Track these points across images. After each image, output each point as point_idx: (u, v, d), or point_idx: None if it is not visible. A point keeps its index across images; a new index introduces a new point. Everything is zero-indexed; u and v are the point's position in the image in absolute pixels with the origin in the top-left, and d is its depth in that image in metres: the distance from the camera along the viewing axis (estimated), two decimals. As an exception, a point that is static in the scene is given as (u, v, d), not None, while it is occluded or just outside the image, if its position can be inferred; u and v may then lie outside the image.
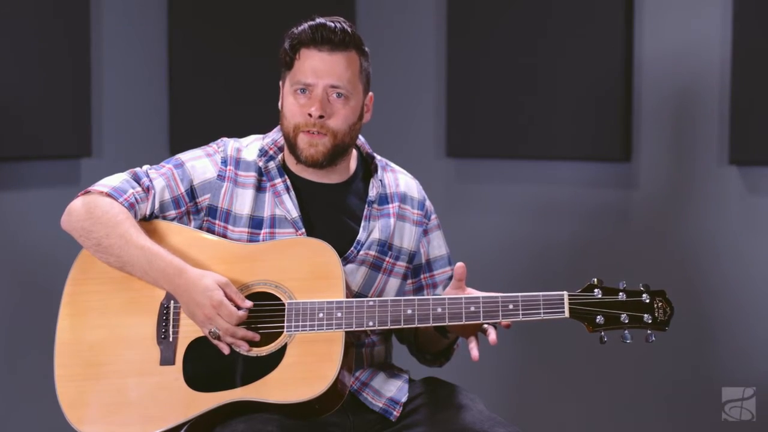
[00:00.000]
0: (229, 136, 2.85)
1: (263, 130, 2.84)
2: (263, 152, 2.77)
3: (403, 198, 2.83)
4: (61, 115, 3.91)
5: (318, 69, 2.68)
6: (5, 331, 3.86)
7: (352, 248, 2.72)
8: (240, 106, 4.18)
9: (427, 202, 2.88)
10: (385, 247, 2.77)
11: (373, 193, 2.78)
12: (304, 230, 2.71)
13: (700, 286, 3.84)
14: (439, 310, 2.58)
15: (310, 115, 2.68)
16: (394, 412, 2.73)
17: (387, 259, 2.77)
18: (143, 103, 4.21)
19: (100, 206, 2.67)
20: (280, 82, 2.76)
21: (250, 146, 2.79)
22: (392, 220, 2.79)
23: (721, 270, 3.81)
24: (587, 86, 3.92)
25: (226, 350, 2.60)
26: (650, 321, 2.55)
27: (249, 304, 2.60)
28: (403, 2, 4.25)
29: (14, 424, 3.87)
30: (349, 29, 2.69)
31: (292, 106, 2.70)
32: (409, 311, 2.58)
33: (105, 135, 4.07)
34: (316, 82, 2.68)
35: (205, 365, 2.61)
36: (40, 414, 3.78)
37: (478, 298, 2.56)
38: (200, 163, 2.75)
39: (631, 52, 3.88)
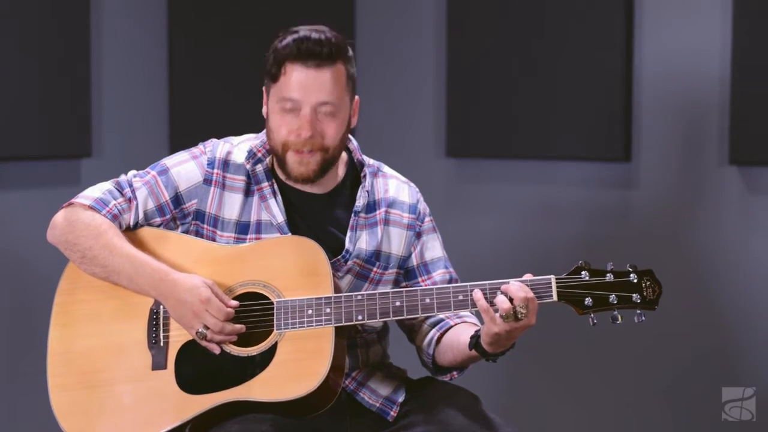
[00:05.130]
0: (229, 135, 2.84)
1: (262, 130, 2.83)
2: (251, 155, 2.74)
3: (392, 203, 2.79)
4: (61, 115, 3.91)
5: (305, 86, 2.62)
6: (5, 332, 3.86)
7: (338, 258, 2.70)
8: (240, 106, 4.18)
9: (421, 205, 2.82)
10: (373, 256, 2.74)
11: (359, 203, 2.74)
12: (290, 235, 2.69)
13: (700, 286, 3.84)
14: (428, 300, 2.57)
15: (299, 135, 2.64)
16: (391, 412, 2.72)
17: (374, 269, 2.74)
18: (143, 103, 4.21)
19: (81, 219, 2.67)
20: (264, 89, 2.72)
21: (241, 146, 2.77)
22: (379, 228, 2.76)
23: (721, 270, 3.81)
24: (587, 86, 3.92)
25: (216, 350, 2.59)
26: (639, 301, 2.53)
27: (235, 303, 2.59)
28: (402, 2, 4.25)
29: None
30: (333, 40, 2.63)
31: (279, 124, 2.65)
32: (398, 303, 2.58)
33: (105, 135, 4.07)
34: (304, 100, 2.63)
35: (197, 368, 2.60)
36: (36, 422, 3.77)
37: (465, 286, 2.55)
38: (185, 168, 2.73)
39: (631, 52, 3.88)
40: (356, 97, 2.73)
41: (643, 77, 3.87)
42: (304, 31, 2.64)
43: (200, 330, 2.58)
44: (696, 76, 3.79)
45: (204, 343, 2.59)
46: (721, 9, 3.73)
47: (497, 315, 2.49)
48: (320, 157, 2.66)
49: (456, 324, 2.73)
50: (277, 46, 2.65)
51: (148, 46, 4.22)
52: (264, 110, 2.74)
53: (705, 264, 3.83)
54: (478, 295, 2.52)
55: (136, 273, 2.62)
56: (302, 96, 2.63)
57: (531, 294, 2.49)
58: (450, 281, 2.79)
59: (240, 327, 2.59)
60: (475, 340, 2.58)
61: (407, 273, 2.80)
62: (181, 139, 4.20)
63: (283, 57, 2.63)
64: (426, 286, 2.75)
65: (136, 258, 2.63)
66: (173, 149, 4.11)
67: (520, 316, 2.48)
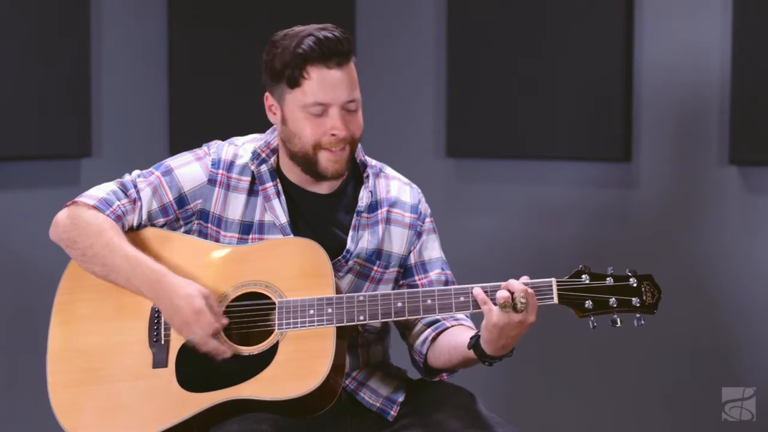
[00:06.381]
0: (230, 135, 2.84)
1: (263, 129, 2.82)
2: (255, 155, 2.74)
3: (393, 203, 2.79)
4: (61, 115, 3.91)
5: (333, 87, 2.60)
6: (5, 331, 3.86)
7: (340, 257, 2.70)
8: (240, 106, 4.18)
9: (422, 206, 2.83)
10: (374, 255, 2.74)
11: (362, 203, 2.74)
12: (292, 236, 2.69)
13: (699, 286, 3.84)
14: (429, 301, 2.57)
15: (333, 134, 2.63)
16: (392, 412, 2.72)
17: (375, 268, 2.75)
18: (143, 103, 4.21)
19: (83, 217, 2.67)
20: (268, 94, 2.69)
21: (246, 146, 2.77)
22: (381, 227, 2.76)
23: (721, 270, 3.81)
24: (587, 86, 3.92)
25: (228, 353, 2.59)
26: (638, 304, 2.55)
27: (225, 321, 2.59)
28: (402, 2, 4.25)
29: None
30: (348, 36, 2.64)
31: (305, 127, 2.63)
32: (399, 304, 2.58)
33: (105, 135, 4.07)
34: (333, 101, 2.62)
35: (198, 366, 2.60)
36: (36, 420, 3.78)
37: (467, 288, 2.56)
38: (189, 169, 2.73)
39: (631, 52, 3.88)
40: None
41: (643, 77, 3.87)
42: (316, 31, 2.62)
43: (190, 338, 2.58)
44: (696, 76, 3.79)
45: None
46: (721, 9, 3.73)
47: (495, 307, 2.49)
48: (349, 151, 2.67)
49: (452, 326, 2.73)
50: (298, 51, 2.60)
51: (148, 46, 4.22)
52: (273, 117, 2.71)
53: (705, 264, 3.83)
54: (477, 290, 2.53)
55: (133, 273, 2.62)
56: (332, 98, 2.62)
57: (531, 290, 2.50)
58: (446, 283, 2.79)
59: (224, 349, 2.58)
60: (474, 340, 2.58)
61: (404, 271, 2.81)
62: (181, 139, 4.21)
63: (303, 60, 2.60)
64: (422, 285, 2.77)
65: (134, 258, 2.63)
66: (173, 150, 4.12)
67: (519, 306, 2.47)
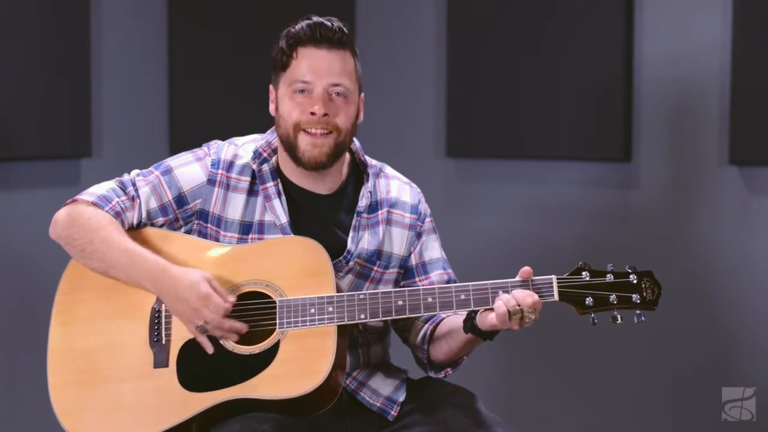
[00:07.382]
0: (230, 135, 2.84)
1: (263, 129, 2.83)
2: (257, 154, 2.75)
3: (394, 204, 2.80)
4: (61, 115, 3.91)
5: (318, 67, 2.65)
6: (5, 332, 3.86)
7: (340, 258, 2.70)
8: (240, 106, 4.19)
9: (422, 206, 2.84)
10: (374, 256, 2.75)
11: (362, 203, 2.75)
12: (292, 235, 2.69)
13: (699, 286, 3.84)
14: (430, 299, 2.58)
15: (312, 113, 2.65)
16: (392, 412, 2.73)
17: (375, 268, 2.75)
18: (143, 103, 4.21)
19: (83, 214, 2.68)
20: (271, 86, 2.73)
21: (246, 146, 2.77)
22: (381, 228, 2.77)
23: (721, 270, 3.81)
24: (587, 86, 3.92)
25: (210, 349, 2.59)
26: (639, 301, 2.56)
27: (232, 299, 2.59)
28: (402, 2, 4.25)
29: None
30: (345, 29, 2.68)
31: (290, 107, 2.66)
32: (400, 302, 2.59)
33: (105, 135, 4.07)
34: (316, 81, 2.65)
35: (199, 366, 2.60)
36: (37, 421, 3.77)
37: (467, 286, 2.56)
38: (189, 169, 2.74)
39: (631, 52, 3.88)
40: (362, 93, 2.75)
41: (643, 77, 3.87)
42: (316, 17, 2.67)
43: (200, 324, 2.58)
44: (696, 76, 3.79)
45: (199, 339, 2.60)
46: (722, 9, 3.73)
47: (511, 322, 2.52)
48: (332, 141, 2.67)
49: (447, 316, 2.74)
50: (290, 32, 2.66)
51: (148, 46, 4.22)
52: (271, 108, 2.74)
53: (705, 264, 3.83)
54: (501, 309, 2.52)
55: (133, 267, 2.62)
56: (315, 77, 2.64)
57: (536, 297, 2.52)
58: (448, 282, 2.80)
59: (240, 325, 2.59)
60: (470, 323, 2.60)
61: (405, 272, 2.81)
62: (181, 139, 4.21)
63: (295, 41, 2.65)
64: (423, 286, 2.76)
65: (134, 252, 2.63)
66: (173, 149, 4.12)
67: (527, 319, 2.52)
